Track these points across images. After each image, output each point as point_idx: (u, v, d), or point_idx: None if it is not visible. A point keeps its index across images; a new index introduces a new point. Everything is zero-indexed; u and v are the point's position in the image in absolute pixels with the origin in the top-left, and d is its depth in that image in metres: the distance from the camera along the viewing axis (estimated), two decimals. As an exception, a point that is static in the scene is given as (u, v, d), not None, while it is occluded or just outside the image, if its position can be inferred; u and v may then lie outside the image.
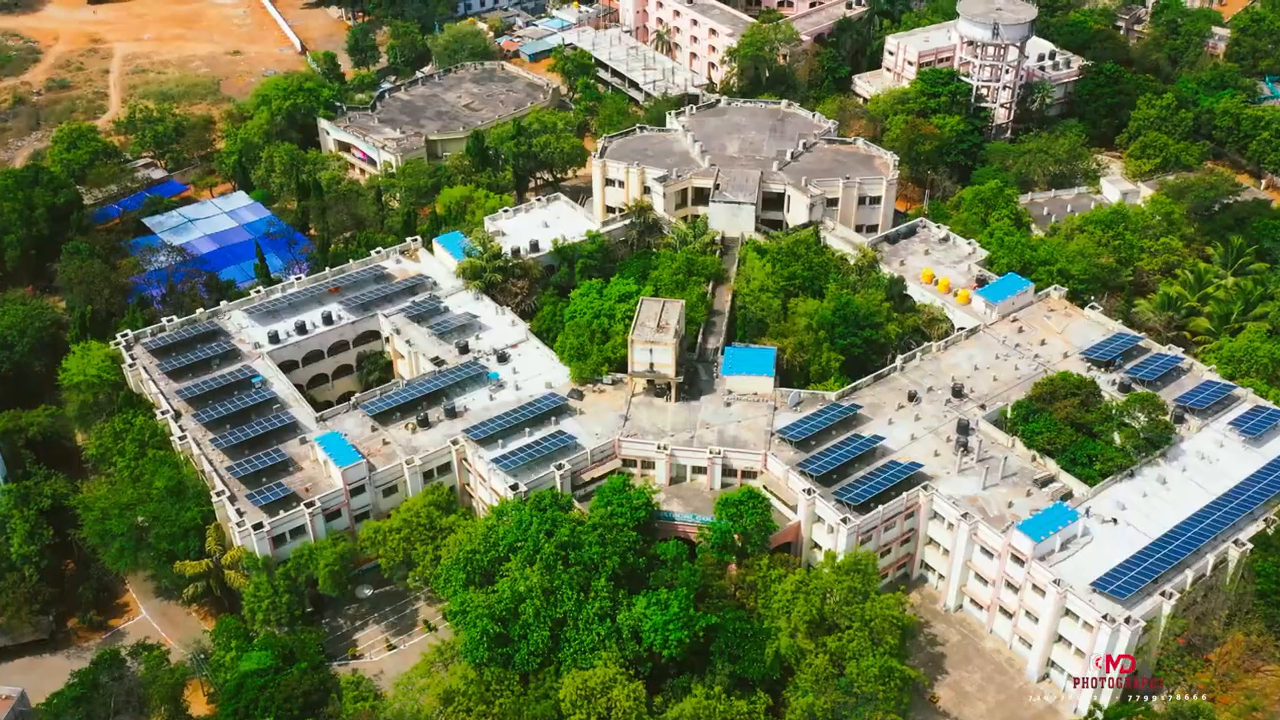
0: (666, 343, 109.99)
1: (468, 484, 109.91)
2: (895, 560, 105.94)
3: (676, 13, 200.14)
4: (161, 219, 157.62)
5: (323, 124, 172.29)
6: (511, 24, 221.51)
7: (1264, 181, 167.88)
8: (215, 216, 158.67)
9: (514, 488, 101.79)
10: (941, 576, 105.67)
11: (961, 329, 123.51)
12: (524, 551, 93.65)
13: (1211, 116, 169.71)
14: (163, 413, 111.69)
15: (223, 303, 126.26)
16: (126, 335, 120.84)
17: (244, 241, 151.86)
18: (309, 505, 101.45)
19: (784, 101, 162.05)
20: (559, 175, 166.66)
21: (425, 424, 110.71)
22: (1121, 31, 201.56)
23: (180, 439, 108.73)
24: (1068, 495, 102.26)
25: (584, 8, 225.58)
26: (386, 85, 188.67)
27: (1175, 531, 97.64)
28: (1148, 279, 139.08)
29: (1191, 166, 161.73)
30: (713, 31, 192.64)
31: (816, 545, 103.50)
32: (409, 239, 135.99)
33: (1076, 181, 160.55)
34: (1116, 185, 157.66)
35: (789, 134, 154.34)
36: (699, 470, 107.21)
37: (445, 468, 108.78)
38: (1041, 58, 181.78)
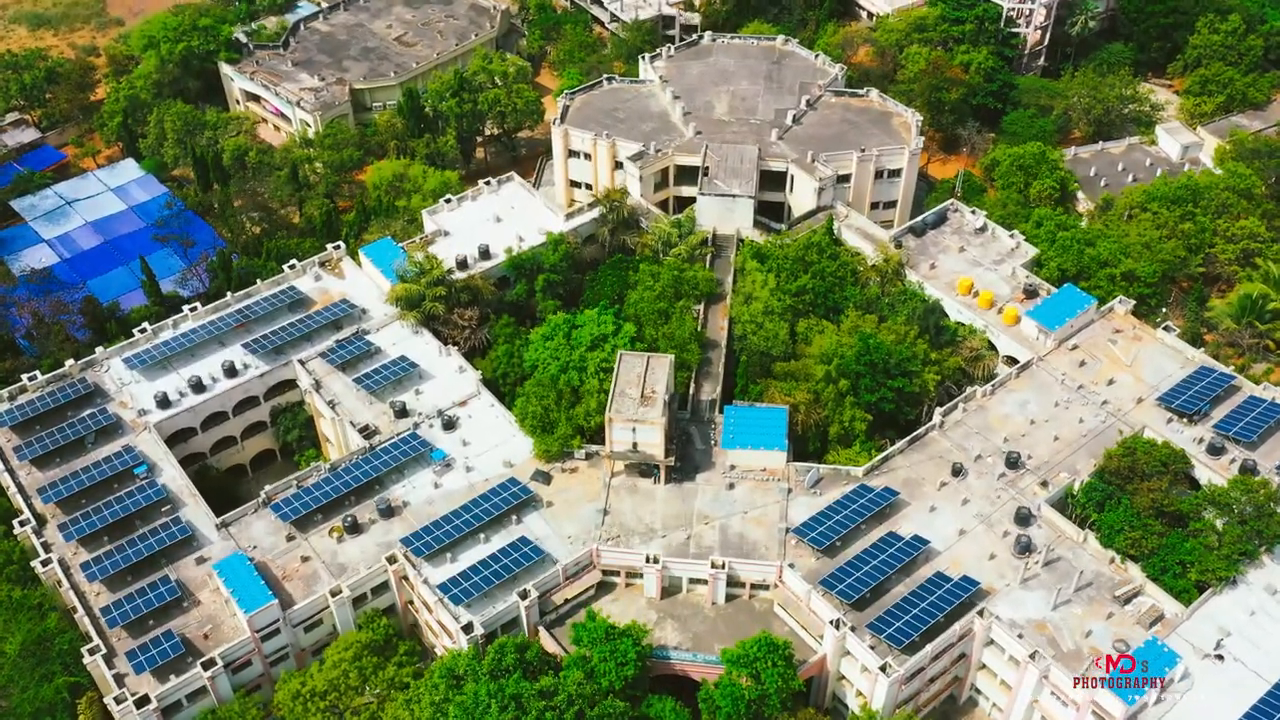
0: (653, 420, 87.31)
1: (410, 603, 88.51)
2: (941, 689, 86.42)
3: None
4: (34, 201, 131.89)
5: (225, 70, 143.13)
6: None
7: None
8: (100, 195, 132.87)
9: (467, 628, 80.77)
10: (998, 707, 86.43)
11: (1010, 360, 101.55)
12: (482, 747, 73.27)
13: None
14: (22, 523, 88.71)
15: (99, 348, 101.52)
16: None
17: (133, 232, 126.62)
18: (208, 665, 79.95)
19: (780, 38, 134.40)
20: (511, 131, 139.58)
21: (354, 529, 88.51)
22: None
23: (44, 563, 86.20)
24: (1158, 618, 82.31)
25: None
26: (303, 6, 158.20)
27: (1297, 674, 78.50)
28: (1221, 268, 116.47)
29: (1260, 104, 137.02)
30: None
31: (844, 677, 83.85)
32: (330, 247, 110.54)
33: (1127, 130, 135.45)
34: (1175, 136, 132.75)
35: (788, 84, 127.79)
36: (698, 581, 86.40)
37: (383, 585, 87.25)
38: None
